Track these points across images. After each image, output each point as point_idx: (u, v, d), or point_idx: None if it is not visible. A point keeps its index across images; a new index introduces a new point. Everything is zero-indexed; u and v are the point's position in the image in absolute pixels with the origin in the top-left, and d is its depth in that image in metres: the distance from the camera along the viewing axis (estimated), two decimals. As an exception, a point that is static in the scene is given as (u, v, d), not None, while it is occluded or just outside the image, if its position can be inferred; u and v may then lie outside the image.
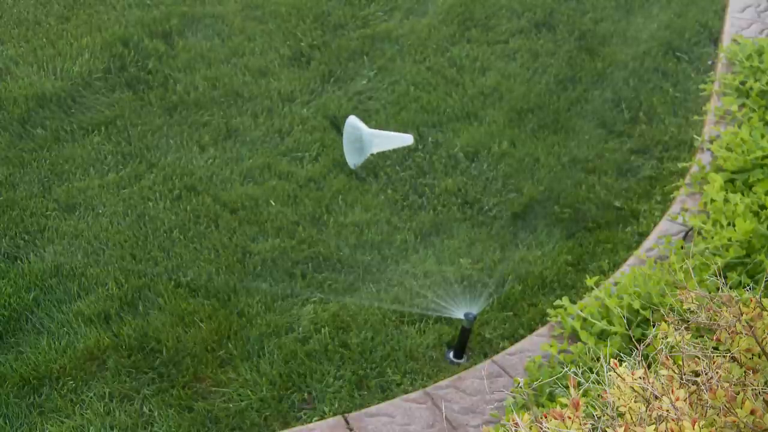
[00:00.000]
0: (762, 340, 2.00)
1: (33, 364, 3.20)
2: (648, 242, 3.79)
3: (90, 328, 3.34)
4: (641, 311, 3.14)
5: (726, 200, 3.56)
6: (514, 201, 4.06)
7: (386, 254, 3.76)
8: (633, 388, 1.85)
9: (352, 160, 4.12)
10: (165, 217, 3.86)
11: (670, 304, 2.63)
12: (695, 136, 4.38)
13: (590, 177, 4.23)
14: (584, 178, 4.22)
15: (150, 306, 3.45)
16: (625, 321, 3.06)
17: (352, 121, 4.07)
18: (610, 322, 3.20)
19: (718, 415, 1.81)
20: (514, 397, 3.02)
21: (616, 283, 3.41)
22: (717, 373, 1.89)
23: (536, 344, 3.32)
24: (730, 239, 3.30)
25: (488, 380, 3.16)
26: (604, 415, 1.86)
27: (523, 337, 3.41)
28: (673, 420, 1.73)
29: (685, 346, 1.98)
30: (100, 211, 3.88)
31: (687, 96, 4.77)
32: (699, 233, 3.54)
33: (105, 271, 3.58)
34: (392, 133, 4.21)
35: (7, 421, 3.03)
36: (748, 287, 3.06)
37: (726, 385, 1.87)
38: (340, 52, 4.96)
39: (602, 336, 3.17)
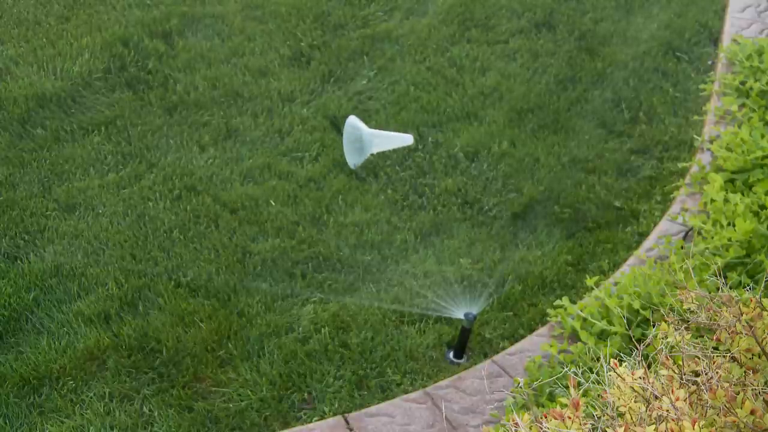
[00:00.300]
0: (762, 340, 2.00)
1: (33, 364, 3.20)
2: (648, 242, 3.79)
3: (90, 328, 3.34)
4: (641, 311, 3.14)
5: (726, 200, 3.56)
6: (514, 201, 4.06)
7: (386, 254, 3.76)
8: (633, 388, 1.85)
9: (352, 160, 4.12)
10: (165, 217, 3.86)
11: (670, 304, 2.63)
12: (695, 136, 4.38)
13: (590, 177, 4.23)
14: (584, 178, 4.23)
15: (150, 306, 3.46)
16: (625, 321, 3.06)
17: (352, 121, 4.07)
18: (610, 322, 3.20)
19: (718, 415, 1.81)
20: (514, 397, 3.02)
21: (616, 283, 3.41)
22: (717, 373, 1.89)
23: (536, 344, 3.32)
24: (730, 239, 3.30)
25: (488, 380, 3.16)
26: (604, 415, 1.86)
27: (523, 337, 3.41)
28: (673, 420, 1.73)
29: (685, 346, 1.98)
30: (100, 211, 3.88)
31: (687, 96, 4.77)
32: (699, 233, 3.54)
33: (105, 271, 3.58)
34: (392, 133, 4.21)
35: (7, 421, 3.03)
36: (748, 287, 3.06)
37: (726, 385, 1.87)
38: (340, 52, 4.96)
39: (602, 336, 3.17)
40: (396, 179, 4.16)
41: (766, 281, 2.38)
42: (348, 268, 3.68)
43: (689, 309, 2.12)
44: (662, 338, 2.06)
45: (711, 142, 4.16)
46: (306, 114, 4.51)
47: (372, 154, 4.11)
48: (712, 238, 3.38)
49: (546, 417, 1.80)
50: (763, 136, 3.85)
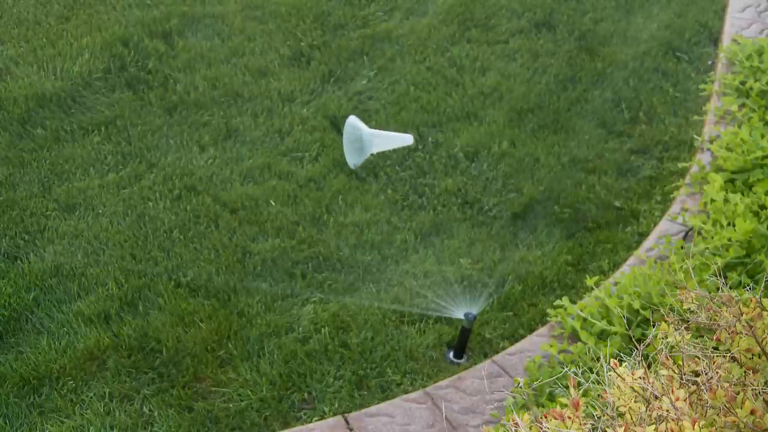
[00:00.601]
0: (762, 340, 2.00)
1: (33, 364, 3.20)
2: (648, 242, 3.79)
3: (90, 328, 3.34)
4: (641, 311, 3.14)
5: (726, 200, 3.56)
6: (514, 201, 4.06)
7: (386, 254, 3.76)
8: (633, 388, 1.85)
9: (352, 160, 4.12)
10: (165, 217, 3.86)
11: (670, 304, 2.63)
12: (695, 136, 4.38)
13: (590, 177, 4.23)
14: (584, 178, 4.22)
15: (150, 306, 3.46)
16: (625, 321, 3.06)
17: (352, 121, 4.08)
18: (610, 322, 3.20)
19: (718, 415, 1.81)
20: (514, 397, 3.02)
21: (616, 283, 3.41)
22: (717, 373, 1.89)
23: (536, 344, 3.32)
24: (730, 239, 3.30)
25: (488, 380, 3.16)
26: (604, 415, 1.86)
27: (523, 337, 3.41)
28: (673, 420, 1.73)
29: (685, 346, 1.98)
30: (100, 211, 3.88)
31: (687, 96, 4.77)
32: (699, 233, 3.54)
33: (105, 271, 3.58)
34: (392, 133, 4.21)
35: (7, 421, 3.03)
36: (748, 287, 3.06)
37: (726, 385, 1.87)
38: (340, 52, 4.96)
39: (602, 336, 3.17)
40: (396, 179, 4.16)
41: (766, 281, 2.38)
42: (348, 268, 3.68)
43: (689, 309, 2.12)
44: (662, 338, 2.06)
45: (711, 142, 4.16)
46: (306, 114, 4.51)
47: (372, 154, 4.11)
48: (712, 238, 3.38)
49: (546, 417, 1.80)
50: (763, 136, 3.85)
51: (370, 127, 4.14)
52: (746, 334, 2.01)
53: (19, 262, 3.62)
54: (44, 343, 3.28)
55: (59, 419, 3.04)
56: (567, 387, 2.12)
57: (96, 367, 3.22)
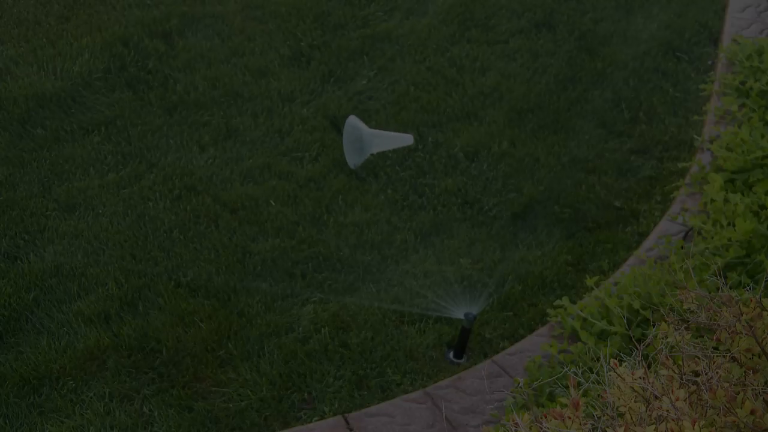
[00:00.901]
0: (762, 340, 2.00)
1: (33, 364, 3.20)
2: (648, 242, 3.79)
3: (90, 328, 3.34)
4: (641, 311, 3.14)
5: (726, 200, 3.56)
6: (514, 201, 4.06)
7: (386, 254, 3.76)
8: (633, 388, 1.85)
9: (352, 160, 4.12)
10: (165, 217, 3.86)
11: (670, 304, 2.64)
12: (695, 136, 4.38)
13: (590, 177, 4.23)
14: (584, 178, 4.22)
15: (150, 306, 3.46)
16: (625, 321, 3.06)
17: (352, 121, 4.08)
18: (610, 322, 3.20)
19: (718, 415, 1.81)
20: (514, 397, 3.02)
21: (616, 283, 3.41)
22: (717, 373, 1.89)
23: (536, 344, 3.32)
24: (730, 239, 3.30)
25: (488, 380, 3.16)
26: (604, 415, 1.86)
27: (523, 337, 3.41)
28: (673, 420, 1.73)
29: (685, 346, 1.98)
30: (100, 211, 3.88)
31: (687, 96, 4.77)
32: (699, 233, 3.54)
33: (105, 271, 3.58)
34: (392, 133, 4.21)
35: (7, 421, 3.03)
36: (748, 287, 3.06)
37: (726, 385, 1.87)
38: (340, 52, 4.96)
39: (602, 336, 3.17)
40: (396, 179, 4.16)
41: (766, 281, 2.38)
42: (348, 268, 3.68)
43: (689, 309, 2.12)
44: (662, 338, 2.06)
45: (711, 142, 4.16)
46: (306, 114, 4.51)
47: (372, 154, 4.11)
48: (712, 238, 3.38)
49: (546, 417, 1.80)
50: (763, 136, 3.85)
51: (370, 127, 4.14)
52: (746, 334, 2.01)
53: (19, 262, 3.62)
54: (44, 343, 3.28)
55: (59, 419, 3.04)
56: (567, 387, 2.13)
57: (96, 367, 3.22)
